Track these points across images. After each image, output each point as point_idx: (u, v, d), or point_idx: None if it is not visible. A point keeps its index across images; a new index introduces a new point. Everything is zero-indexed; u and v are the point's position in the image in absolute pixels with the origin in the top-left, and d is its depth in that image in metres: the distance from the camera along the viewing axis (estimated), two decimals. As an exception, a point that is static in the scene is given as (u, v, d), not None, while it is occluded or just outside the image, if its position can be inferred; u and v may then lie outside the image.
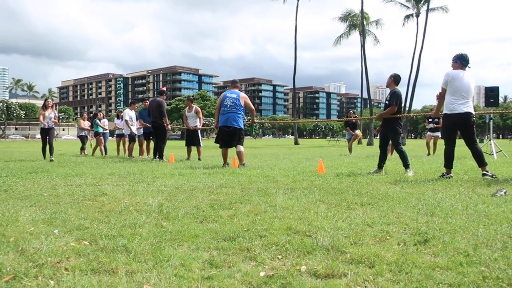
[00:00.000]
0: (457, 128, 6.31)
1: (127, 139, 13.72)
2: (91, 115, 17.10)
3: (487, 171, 6.16)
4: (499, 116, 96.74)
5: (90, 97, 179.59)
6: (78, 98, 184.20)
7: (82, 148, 15.68)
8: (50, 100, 12.44)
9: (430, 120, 14.43)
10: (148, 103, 12.53)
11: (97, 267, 2.29)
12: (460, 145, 6.69)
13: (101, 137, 15.32)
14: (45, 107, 11.76)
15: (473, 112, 6.25)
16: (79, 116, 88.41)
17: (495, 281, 2.03)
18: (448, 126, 6.37)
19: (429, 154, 13.68)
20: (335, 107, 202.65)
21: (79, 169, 8.45)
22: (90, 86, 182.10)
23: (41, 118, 11.64)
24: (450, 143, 6.36)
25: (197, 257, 2.46)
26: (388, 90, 7.58)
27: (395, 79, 7.37)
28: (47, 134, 11.71)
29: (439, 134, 14.33)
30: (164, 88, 12.51)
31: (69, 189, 5.34)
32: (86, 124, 16.17)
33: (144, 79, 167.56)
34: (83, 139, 15.97)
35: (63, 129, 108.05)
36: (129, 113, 13.31)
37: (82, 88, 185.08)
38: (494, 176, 6.03)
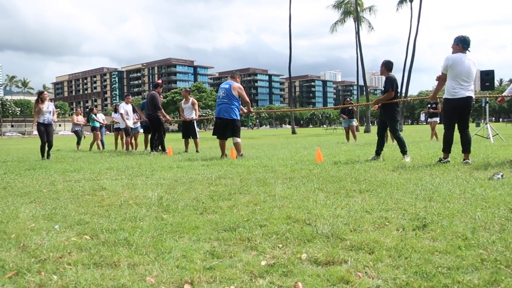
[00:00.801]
0: (458, 112, 6.27)
1: (124, 133, 13.74)
2: (87, 110, 17.06)
3: (469, 160, 6.20)
4: (495, 99, 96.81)
5: (85, 92, 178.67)
6: (73, 93, 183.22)
7: (78, 143, 15.69)
8: (46, 92, 10.87)
9: (429, 106, 14.44)
10: None
11: (99, 261, 2.31)
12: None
13: (98, 132, 15.30)
14: (40, 100, 10.22)
15: (474, 96, 6.24)
16: (74, 111, 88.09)
17: (493, 263, 2.06)
18: (448, 111, 6.33)
19: (437, 139, 13.61)
20: (331, 95, 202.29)
21: (77, 164, 8.45)
22: (85, 81, 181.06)
23: (35, 116, 10.19)
24: (450, 128, 6.36)
25: (198, 248, 2.47)
26: (384, 78, 7.57)
27: (386, 66, 7.34)
28: (46, 130, 10.24)
29: (437, 119, 14.33)
30: (160, 81, 12.51)
31: (68, 185, 5.35)
32: (79, 119, 16.15)
33: (139, 72, 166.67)
34: (78, 134, 15.99)
35: (60, 125, 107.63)
36: (124, 107, 13.35)
37: (77, 83, 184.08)
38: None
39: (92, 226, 3.05)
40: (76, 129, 16.16)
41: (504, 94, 7.23)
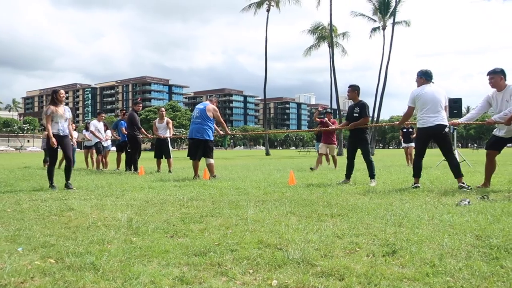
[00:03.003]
0: (431, 139, 6.47)
1: (94, 151, 13.50)
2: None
3: (463, 183, 6.16)
4: (463, 126, 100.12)
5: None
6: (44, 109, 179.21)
7: (45, 161, 15.27)
8: (63, 92, 7.62)
9: (405, 130, 14.71)
10: (123, 113, 12.86)
11: (63, 286, 2.23)
12: (427, 155, 6.87)
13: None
14: (56, 101, 7.33)
15: (446, 123, 6.33)
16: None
17: (459, 291, 2.09)
18: (420, 137, 6.58)
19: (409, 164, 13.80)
20: (305, 117, 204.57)
21: (44, 182, 8.20)
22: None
23: (48, 123, 7.11)
24: (420, 154, 6.55)
25: (167, 273, 2.42)
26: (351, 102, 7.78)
27: (358, 91, 7.60)
28: (61, 144, 7.20)
29: (413, 144, 14.57)
30: (138, 99, 12.49)
31: (34, 204, 5.17)
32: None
33: (113, 90, 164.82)
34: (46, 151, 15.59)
35: (28, 141, 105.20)
36: (95, 124, 13.21)
37: (48, 98, 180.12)
38: (469, 187, 6.05)
39: (57, 249, 2.95)
40: (45, 146, 15.76)
41: (494, 118, 6.78)
